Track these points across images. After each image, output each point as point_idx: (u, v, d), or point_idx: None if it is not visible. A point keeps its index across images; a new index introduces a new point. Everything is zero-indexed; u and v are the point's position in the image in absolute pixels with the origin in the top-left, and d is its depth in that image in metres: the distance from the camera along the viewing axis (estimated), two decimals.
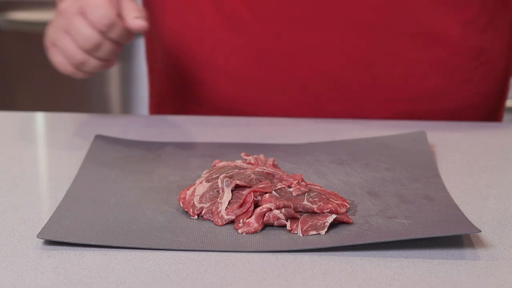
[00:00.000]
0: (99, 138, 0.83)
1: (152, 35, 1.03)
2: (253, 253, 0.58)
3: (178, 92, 1.01)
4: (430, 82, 0.93)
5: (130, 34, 0.84)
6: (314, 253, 0.58)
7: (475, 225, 0.61)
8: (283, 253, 0.58)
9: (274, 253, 0.58)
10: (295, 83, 0.94)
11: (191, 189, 0.67)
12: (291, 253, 0.58)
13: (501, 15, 0.94)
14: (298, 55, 0.93)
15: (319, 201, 0.64)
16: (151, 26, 1.03)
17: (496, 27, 0.93)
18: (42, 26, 2.20)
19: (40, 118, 0.98)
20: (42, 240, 0.60)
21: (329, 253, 0.58)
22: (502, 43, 0.95)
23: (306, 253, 0.58)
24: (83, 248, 0.59)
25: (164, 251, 0.58)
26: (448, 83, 0.93)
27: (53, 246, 0.59)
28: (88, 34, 0.81)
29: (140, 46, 2.11)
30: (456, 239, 0.60)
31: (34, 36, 2.13)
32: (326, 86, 0.94)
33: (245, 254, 0.58)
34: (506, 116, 1.89)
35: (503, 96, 1.01)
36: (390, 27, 0.91)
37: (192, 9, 0.95)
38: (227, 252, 0.58)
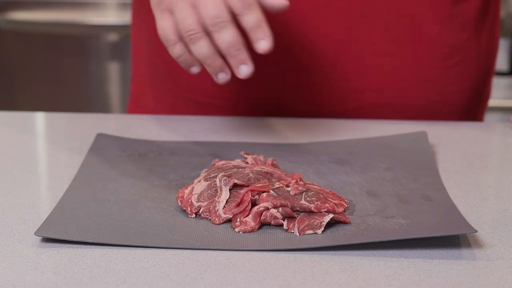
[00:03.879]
0: (100, 136, 0.83)
1: (139, 22, 1.01)
2: (253, 253, 0.58)
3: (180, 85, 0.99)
4: (401, 75, 0.93)
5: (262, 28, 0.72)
6: (314, 253, 0.58)
7: (474, 225, 0.61)
8: (283, 253, 0.58)
9: (274, 253, 0.58)
10: None
11: (189, 187, 0.67)
12: (291, 253, 0.58)
13: (480, 17, 0.94)
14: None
15: (316, 201, 0.64)
16: (139, 14, 0.99)
17: (474, 28, 0.94)
18: (42, 26, 2.21)
19: (40, 118, 0.98)
20: (42, 240, 0.60)
21: (329, 253, 0.58)
22: (480, 44, 0.96)
23: (305, 253, 0.58)
24: (83, 248, 0.59)
25: (164, 250, 0.58)
26: (421, 79, 0.94)
27: (53, 246, 0.59)
28: (217, 8, 0.71)
29: None
30: (456, 239, 0.60)
31: (34, 36, 2.14)
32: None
33: (245, 254, 0.58)
34: (492, 116, 1.90)
35: (483, 97, 1.01)
36: (379, 18, 0.91)
37: None
38: (227, 252, 0.58)
